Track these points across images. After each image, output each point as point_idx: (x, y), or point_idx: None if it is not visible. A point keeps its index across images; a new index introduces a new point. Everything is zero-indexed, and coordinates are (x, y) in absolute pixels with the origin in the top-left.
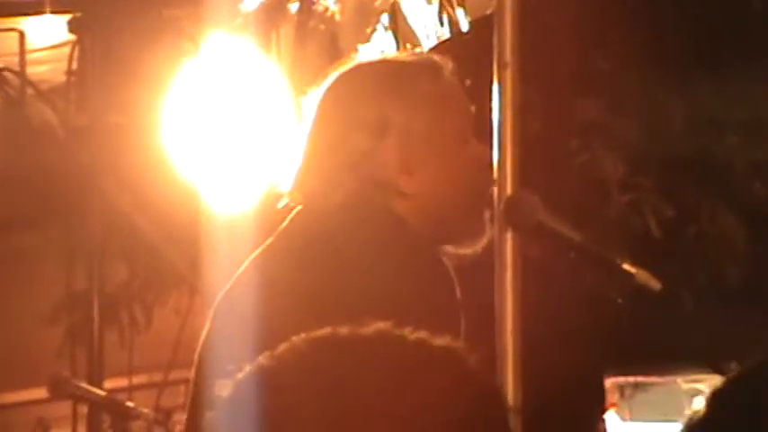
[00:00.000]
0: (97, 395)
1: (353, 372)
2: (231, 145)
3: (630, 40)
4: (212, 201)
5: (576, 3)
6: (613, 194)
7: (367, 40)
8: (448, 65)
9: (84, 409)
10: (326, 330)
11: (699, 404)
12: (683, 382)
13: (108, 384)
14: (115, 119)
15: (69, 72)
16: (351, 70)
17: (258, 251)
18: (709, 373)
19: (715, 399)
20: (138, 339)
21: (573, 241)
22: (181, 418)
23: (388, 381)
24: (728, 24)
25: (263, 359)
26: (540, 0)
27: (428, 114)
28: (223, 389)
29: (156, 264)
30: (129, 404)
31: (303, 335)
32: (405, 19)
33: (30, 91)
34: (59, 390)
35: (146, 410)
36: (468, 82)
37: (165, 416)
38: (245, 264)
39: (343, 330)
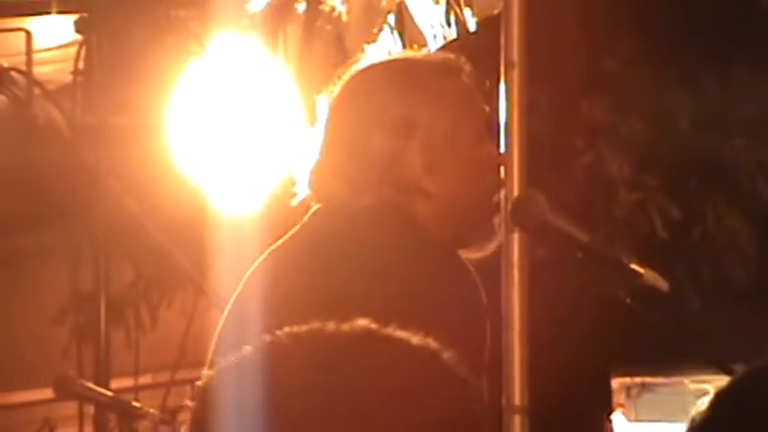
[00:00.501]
0: (103, 395)
1: (333, 368)
2: (237, 145)
3: (637, 40)
4: (218, 201)
5: (583, 3)
6: (619, 194)
7: (374, 40)
8: (466, 64)
9: (90, 409)
10: (310, 326)
11: (702, 404)
12: (689, 383)
13: (114, 384)
14: (121, 119)
15: (76, 72)
16: (371, 69)
17: (271, 250)
18: (715, 373)
19: (719, 399)
20: (144, 339)
21: (580, 241)
22: (186, 417)
23: (366, 378)
24: (735, 24)
25: (245, 351)
26: (546, 0)
27: (451, 114)
28: (205, 378)
29: (161, 264)
30: (136, 404)
31: (287, 329)
32: (411, 19)
33: (36, 91)
34: (65, 390)
35: (152, 410)
36: (487, 83)
37: (171, 416)
38: (258, 262)
39: (327, 327)
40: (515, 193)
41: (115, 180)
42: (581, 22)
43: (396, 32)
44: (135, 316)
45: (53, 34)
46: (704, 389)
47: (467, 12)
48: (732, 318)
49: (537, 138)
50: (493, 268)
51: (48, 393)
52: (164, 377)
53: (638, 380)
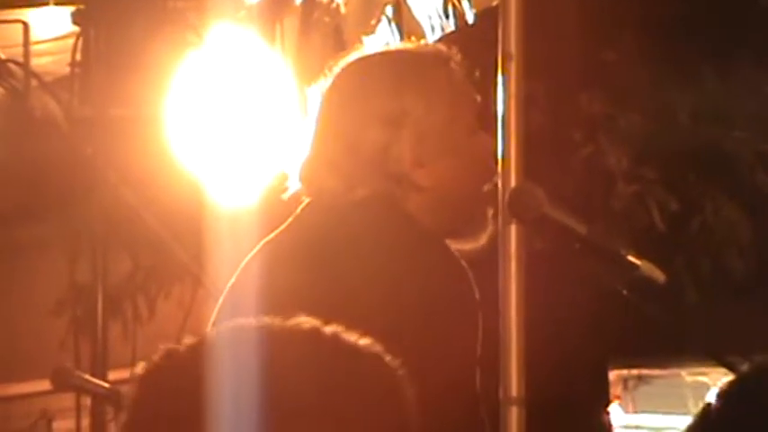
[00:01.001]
0: (101, 387)
1: (264, 361)
2: (235, 137)
3: (636, 34)
4: (216, 193)
5: None
6: (618, 187)
7: (371, 32)
8: (456, 55)
9: (87, 401)
10: (245, 321)
11: (710, 398)
12: (686, 375)
13: (111, 376)
14: (119, 111)
15: (73, 64)
16: (363, 61)
17: (265, 242)
18: (712, 365)
19: (727, 394)
20: (141, 331)
21: (577, 233)
22: None
23: (296, 373)
24: (735, 17)
25: (180, 344)
26: None
27: (443, 106)
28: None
29: (159, 256)
30: None
31: (225, 324)
32: (409, 11)
33: (33, 82)
34: (63, 381)
35: None
36: (477, 73)
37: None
38: (252, 254)
39: (262, 321)
40: (513, 184)
41: (113, 172)
42: (580, 15)
43: (393, 24)
44: (132, 308)
45: (50, 25)
46: (701, 381)
47: (465, 3)
48: (730, 310)
49: (535, 130)
50: (488, 259)
51: (45, 385)
52: None
53: (635, 372)
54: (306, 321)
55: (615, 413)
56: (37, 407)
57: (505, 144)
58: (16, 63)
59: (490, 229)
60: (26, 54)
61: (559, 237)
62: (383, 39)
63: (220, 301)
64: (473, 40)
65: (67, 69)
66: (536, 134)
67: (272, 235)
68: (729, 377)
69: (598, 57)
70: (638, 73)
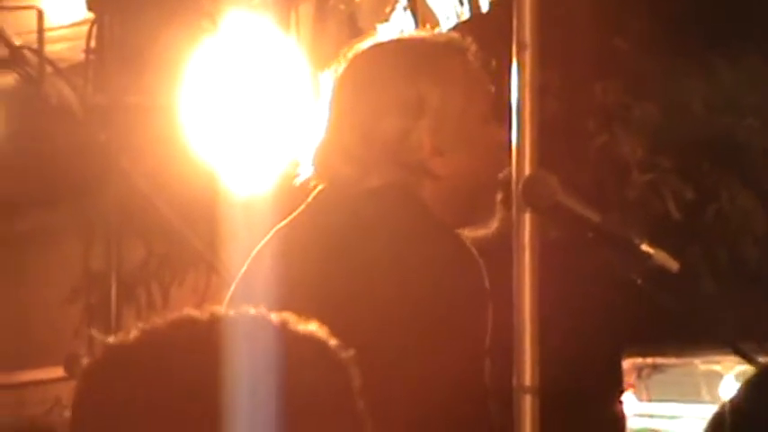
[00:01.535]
0: None
1: (212, 353)
2: (249, 124)
3: (650, 22)
4: (230, 180)
5: None
6: (633, 176)
7: (386, 19)
8: (471, 44)
9: None
10: (196, 313)
11: (732, 390)
12: (700, 364)
13: None
14: (134, 98)
15: (88, 50)
16: (378, 48)
17: (276, 230)
18: (727, 354)
19: (750, 387)
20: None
21: (591, 221)
22: None
23: (242, 361)
24: (749, 7)
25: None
26: None
27: (459, 94)
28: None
29: (173, 243)
30: None
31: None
32: None
33: (48, 69)
34: (77, 369)
35: None
36: (493, 63)
37: None
38: (264, 241)
39: (208, 313)
40: (527, 173)
41: (127, 159)
42: (594, 4)
43: (408, 12)
44: (146, 295)
45: (65, 12)
46: (714, 370)
47: None
48: (746, 298)
49: (549, 119)
50: (500, 248)
51: (59, 372)
52: None
53: (649, 360)
54: (253, 309)
55: (629, 401)
56: (51, 394)
57: (520, 133)
58: (31, 50)
59: (500, 214)
60: (41, 41)
61: (573, 225)
62: (398, 26)
63: (232, 288)
64: (487, 29)
65: (82, 56)
66: (550, 124)
67: (283, 222)
68: (743, 366)
69: (612, 46)
70: (652, 62)
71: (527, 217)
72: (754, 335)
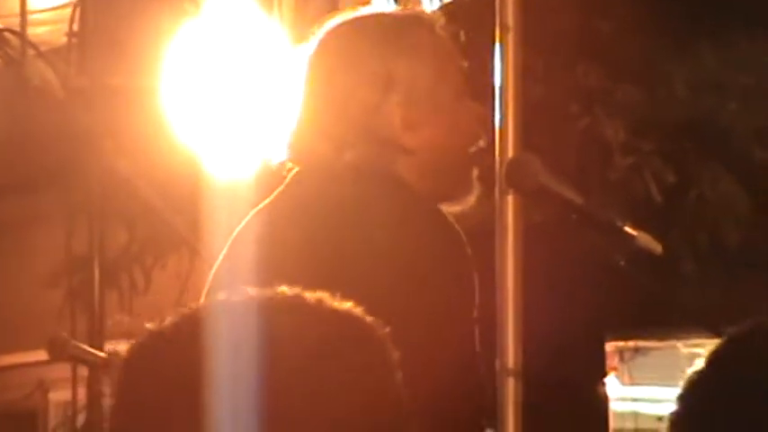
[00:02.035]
0: (97, 357)
1: (251, 334)
2: (232, 107)
3: (632, 5)
4: (213, 164)
5: None
6: (615, 158)
7: (368, 1)
8: (440, 19)
9: (83, 371)
10: (227, 296)
11: (697, 364)
12: (682, 347)
13: (108, 347)
14: (116, 81)
15: (70, 33)
16: (347, 25)
17: (255, 212)
18: (709, 337)
19: (713, 359)
20: (137, 302)
21: (574, 203)
22: None
23: (283, 344)
24: None
25: (164, 322)
26: None
27: (430, 69)
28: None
29: (155, 226)
30: None
31: (209, 300)
32: None
33: (30, 52)
34: (59, 352)
35: None
36: (462, 36)
37: None
38: (244, 223)
39: (245, 295)
40: (510, 155)
41: (109, 142)
42: None
43: None
44: (129, 278)
45: None
46: (697, 353)
47: None
48: (726, 281)
49: (531, 102)
50: (481, 230)
51: (41, 355)
52: None
53: (631, 344)
54: (289, 290)
55: (612, 385)
56: (33, 377)
57: (503, 115)
58: (13, 32)
59: (477, 190)
60: (23, 23)
61: (556, 208)
62: (379, 8)
63: (213, 270)
64: (470, 11)
65: (65, 39)
66: (532, 106)
67: (261, 204)
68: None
69: (594, 29)
70: (634, 45)
71: (510, 199)
72: (736, 318)
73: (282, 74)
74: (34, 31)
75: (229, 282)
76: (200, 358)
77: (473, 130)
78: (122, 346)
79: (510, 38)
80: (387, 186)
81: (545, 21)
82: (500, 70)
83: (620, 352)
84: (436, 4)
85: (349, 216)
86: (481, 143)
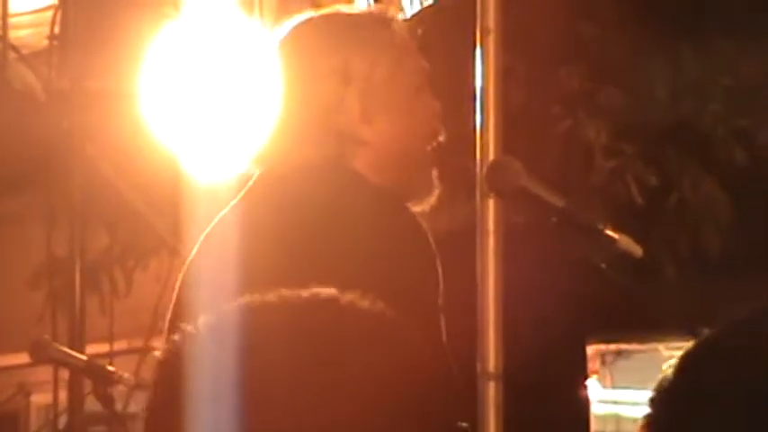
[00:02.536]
0: (79, 360)
1: (302, 337)
2: (213, 110)
3: (614, 8)
4: (193, 166)
5: None
6: (596, 161)
7: (349, 1)
8: (397, 17)
9: (65, 374)
10: (278, 293)
11: (668, 367)
12: (664, 350)
13: (89, 350)
14: (97, 84)
15: (51, 36)
16: (308, 23)
17: (226, 211)
18: (690, 340)
19: (683, 364)
20: (118, 305)
21: (555, 206)
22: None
23: (335, 347)
24: None
25: (214, 316)
26: None
27: (386, 63)
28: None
29: (136, 229)
30: (111, 369)
31: (257, 294)
32: None
33: (11, 55)
34: (41, 354)
35: (126, 375)
36: (419, 31)
37: (145, 381)
38: (214, 222)
39: (295, 294)
40: (491, 158)
41: (90, 145)
42: None
43: None
44: (110, 281)
45: None
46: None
47: None
48: (707, 285)
49: (513, 105)
50: (461, 239)
51: (23, 358)
52: (138, 342)
53: (612, 347)
54: (323, 291)
55: (593, 388)
56: (14, 380)
57: (484, 118)
58: None
59: (437, 190)
60: (4, 26)
61: (537, 211)
62: (341, 7)
63: (182, 275)
64: (451, 14)
65: (46, 42)
66: (514, 109)
67: (229, 205)
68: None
69: (576, 32)
70: (616, 48)
71: (491, 202)
72: (717, 321)
73: (262, 75)
74: (15, 34)
75: (202, 281)
76: (239, 358)
77: (431, 126)
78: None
79: (491, 40)
80: (347, 181)
81: (526, 23)
82: (481, 73)
83: (602, 355)
84: (416, 7)
85: (311, 212)
86: (440, 139)
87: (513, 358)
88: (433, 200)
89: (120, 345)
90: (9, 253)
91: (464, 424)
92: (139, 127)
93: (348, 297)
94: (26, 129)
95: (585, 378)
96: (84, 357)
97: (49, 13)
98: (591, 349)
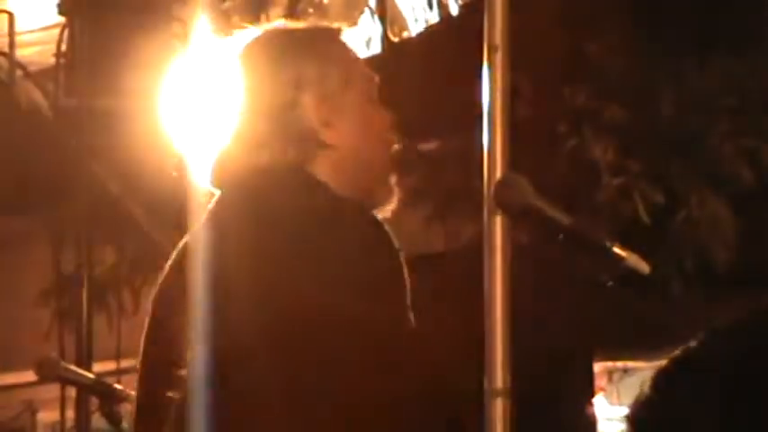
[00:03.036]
0: (86, 378)
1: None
2: (219, 128)
3: (620, 26)
4: (201, 184)
5: None
6: (603, 179)
7: (354, 23)
8: (345, 30)
9: (72, 392)
10: None
11: (644, 386)
12: None
13: (96, 368)
14: (104, 102)
15: (58, 54)
16: (262, 39)
17: (195, 229)
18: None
19: (658, 380)
20: (126, 323)
21: (563, 224)
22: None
23: None
24: (719, 10)
25: None
26: None
27: (337, 72)
28: None
29: (144, 247)
30: (118, 387)
31: None
32: (393, 2)
33: (19, 73)
34: (48, 372)
35: (134, 393)
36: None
37: None
38: (189, 233)
39: None
40: (497, 176)
41: (97, 162)
42: (563, 7)
43: (376, 16)
44: (117, 299)
45: (36, 16)
46: None
47: None
48: (714, 302)
49: (519, 123)
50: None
51: (29, 376)
52: None
53: (619, 364)
54: None
55: (600, 405)
56: (21, 398)
57: (491, 136)
58: (1, 53)
59: (396, 198)
60: (11, 44)
61: (545, 228)
62: (366, 30)
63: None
64: (456, 32)
65: (53, 60)
66: (520, 127)
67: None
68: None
69: (582, 50)
70: (622, 66)
71: (498, 219)
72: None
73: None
74: (23, 53)
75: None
76: None
77: (386, 134)
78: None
79: (498, 58)
80: (303, 186)
81: (533, 42)
82: (487, 91)
83: (609, 372)
84: (422, 26)
85: (272, 217)
86: (395, 148)
87: (520, 376)
88: (391, 208)
89: (127, 363)
90: (17, 271)
91: None
92: (147, 145)
93: None
94: (33, 147)
95: (592, 395)
96: (91, 375)
97: (56, 31)
98: (598, 366)
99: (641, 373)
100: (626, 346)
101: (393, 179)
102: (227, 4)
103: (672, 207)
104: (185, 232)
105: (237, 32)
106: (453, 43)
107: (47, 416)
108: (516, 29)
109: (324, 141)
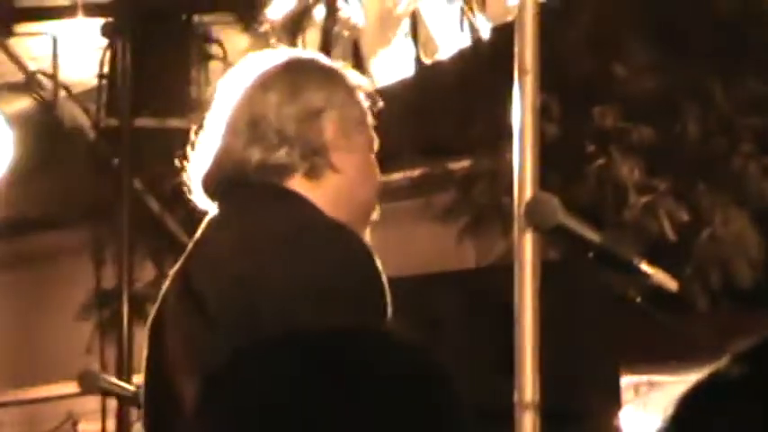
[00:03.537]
0: (126, 390)
1: None
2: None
3: (646, 48)
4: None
5: (592, 10)
6: (630, 197)
7: (387, 44)
8: (346, 68)
9: (112, 404)
10: None
11: (669, 406)
12: None
13: (136, 379)
14: (145, 121)
15: (100, 75)
16: (306, 55)
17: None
18: None
19: (683, 400)
20: None
21: (592, 242)
22: None
23: None
24: (743, 31)
25: None
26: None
27: (359, 109)
28: None
29: None
30: None
31: None
32: (425, 25)
33: (62, 93)
34: (89, 384)
35: None
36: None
37: None
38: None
39: None
40: (528, 195)
41: (138, 180)
42: (592, 30)
43: (410, 38)
44: None
45: (79, 38)
46: None
47: (479, 18)
48: (739, 318)
49: (548, 143)
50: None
51: (71, 388)
52: None
53: (645, 378)
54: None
55: (626, 418)
56: (63, 409)
57: (521, 155)
58: (45, 74)
59: (368, 232)
60: (55, 66)
61: (574, 245)
62: (399, 52)
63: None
64: (487, 55)
65: (95, 81)
66: (549, 147)
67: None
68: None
69: (609, 71)
70: (649, 87)
71: (528, 237)
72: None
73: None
74: (66, 74)
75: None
76: None
77: (379, 184)
78: None
79: (528, 80)
80: (297, 212)
81: (561, 65)
82: (518, 112)
83: (635, 386)
84: (454, 49)
85: (255, 246)
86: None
87: (549, 390)
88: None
89: None
90: (59, 285)
91: None
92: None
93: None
94: (76, 165)
95: (619, 409)
96: (131, 387)
97: (99, 53)
98: (624, 380)
99: (668, 387)
100: (652, 360)
101: (374, 215)
102: (264, 27)
103: (697, 225)
104: None
105: (275, 52)
106: (484, 66)
107: (88, 427)
108: (545, 52)
109: (332, 162)
